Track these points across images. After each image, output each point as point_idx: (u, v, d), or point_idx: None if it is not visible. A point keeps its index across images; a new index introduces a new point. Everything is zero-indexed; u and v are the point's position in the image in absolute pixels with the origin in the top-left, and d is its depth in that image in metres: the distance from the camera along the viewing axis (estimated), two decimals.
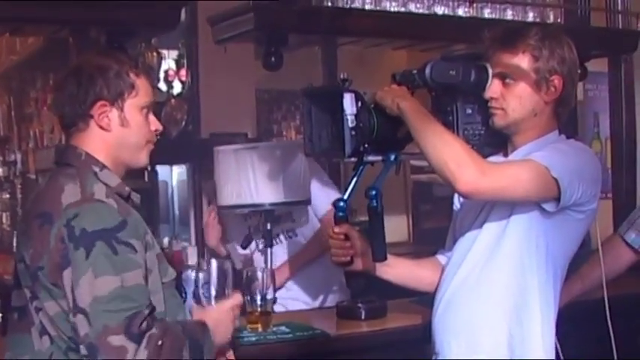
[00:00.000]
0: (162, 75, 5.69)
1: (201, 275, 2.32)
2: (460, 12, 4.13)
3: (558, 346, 2.47)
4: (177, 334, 2.05)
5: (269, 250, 3.45)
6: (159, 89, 5.58)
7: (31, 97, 6.85)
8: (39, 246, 2.04)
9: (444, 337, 2.48)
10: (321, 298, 3.72)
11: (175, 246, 5.07)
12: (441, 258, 2.66)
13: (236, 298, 2.30)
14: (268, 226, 3.46)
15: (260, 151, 3.44)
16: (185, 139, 5.49)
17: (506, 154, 2.50)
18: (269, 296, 3.06)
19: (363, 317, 3.18)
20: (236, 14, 3.73)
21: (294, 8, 3.71)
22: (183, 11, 4.31)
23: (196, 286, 2.35)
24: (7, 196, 7.30)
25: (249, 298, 3.01)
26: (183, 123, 5.59)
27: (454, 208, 2.67)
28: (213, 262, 2.32)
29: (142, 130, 2.20)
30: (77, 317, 1.97)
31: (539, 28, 2.50)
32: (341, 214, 2.56)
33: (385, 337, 3.08)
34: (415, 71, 2.42)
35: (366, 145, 2.47)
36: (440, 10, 4.08)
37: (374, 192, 2.47)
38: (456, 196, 2.63)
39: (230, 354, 2.31)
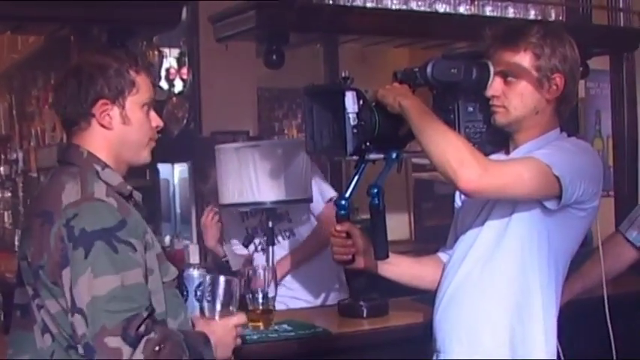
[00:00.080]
0: (163, 73, 5.69)
1: (207, 289, 2.31)
2: (461, 10, 4.13)
3: (558, 344, 2.47)
4: (177, 342, 2.05)
5: (271, 248, 3.45)
6: (160, 87, 5.58)
7: (33, 95, 6.85)
8: (40, 245, 2.04)
9: (446, 334, 2.48)
10: (321, 296, 3.73)
11: (177, 244, 5.07)
12: (443, 256, 2.66)
13: (240, 318, 2.31)
14: (270, 224, 3.46)
15: (262, 149, 3.44)
16: (186, 137, 5.49)
17: (507, 152, 2.50)
18: (271, 294, 3.06)
19: (364, 315, 3.18)
20: (237, 12, 3.73)
21: (295, 6, 3.71)
22: (184, 10, 4.32)
23: (201, 299, 2.34)
24: (9, 194, 7.31)
25: (250, 296, 3.01)
26: (185, 121, 5.59)
27: (455, 206, 2.67)
28: (221, 278, 2.31)
29: (144, 127, 2.19)
30: (75, 317, 1.97)
31: (540, 26, 2.50)
32: (343, 212, 2.56)
33: (387, 335, 3.08)
34: (417, 69, 2.42)
35: (368, 144, 2.47)
36: (441, 7, 4.08)
37: (376, 190, 2.46)
38: (457, 194, 2.63)
39: None
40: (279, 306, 3.19)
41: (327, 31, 4.08)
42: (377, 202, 2.47)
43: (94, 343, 1.94)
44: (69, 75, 2.17)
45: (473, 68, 2.42)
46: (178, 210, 6.09)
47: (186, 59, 5.73)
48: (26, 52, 6.23)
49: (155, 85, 5.15)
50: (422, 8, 4.04)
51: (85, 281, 1.95)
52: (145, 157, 2.23)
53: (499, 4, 4.21)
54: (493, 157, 2.45)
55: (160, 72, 5.65)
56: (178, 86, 5.74)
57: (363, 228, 2.61)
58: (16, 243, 5.86)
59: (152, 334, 1.98)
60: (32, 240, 2.08)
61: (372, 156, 2.52)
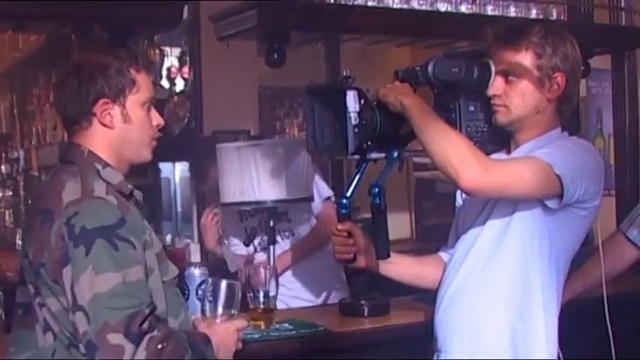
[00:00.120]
0: (164, 72, 5.69)
1: (208, 290, 2.32)
2: (463, 9, 4.13)
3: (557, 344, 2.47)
4: (180, 341, 2.05)
5: (272, 247, 3.45)
6: (161, 86, 5.58)
7: (34, 94, 6.85)
8: (40, 243, 2.04)
9: (447, 333, 2.48)
10: (322, 295, 3.73)
11: (178, 243, 5.07)
12: (444, 255, 2.66)
13: (242, 322, 2.31)
14: (271, 223, 3.46)
15: (263, 148, 3.44)
16: (188, 136, 5.49)
17: (509, 152, 2.50)
18: (272, 293, 3.06)
19: (365, 314, 3.18)
20: (238, 11, 3.73)
21: (296, 5, 3.70)
22: (185, 8, 4.32)
23: (203, 300, 2.35)
24: (10, 193, 7.31)
25: (252, 295, 3.01)
26: (186, 120, 5.59)
27: (457, 205, 2.67)
28: (223, 282, 2.32)
29: (144, 125, 2.20)
30: (76, 315, 1.97)
31: (541, 25, 2.49)
32: (344, 211, 2.56)
33: (388, 334, 3.07)
34: (418, 68, 2.42)
35: (369, 143, 2.47)
36: (443, 7, 4.08)
37: (377, 189, 2.47)
38: (458, 193, 2.63)
39: None
40: (279, 305, 3.19)
41: (329, 30, 4.08)
42: (378, 201, 2.47)
43: (96, 340, 1.94)
44: (69, 74, 2.17)
45: (474, 67, 2.42)
46: (179, 209, 6.09)
47: (188, 58, 5.72)
48: (27, 50, 6.23)
49: (156, 84, 5.18)
50: (423, 7, 4.04)
51: (87, 279, 1.95)
52: (146, 155, 2.23)
53: (500, 3, 4.21)
54: (494, 156, 2.45)
55: (161, 71, 5.64)
56: (179, 85, 5.74)
57: (364, 227, 2.61)
58: (17, 242, 5.86)
59: (155, 332, 1.98)
60: (33, 238, 2.08)
61: (374, 155, 2.52)
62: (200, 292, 3.00)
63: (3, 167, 7.50)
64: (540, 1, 4.35)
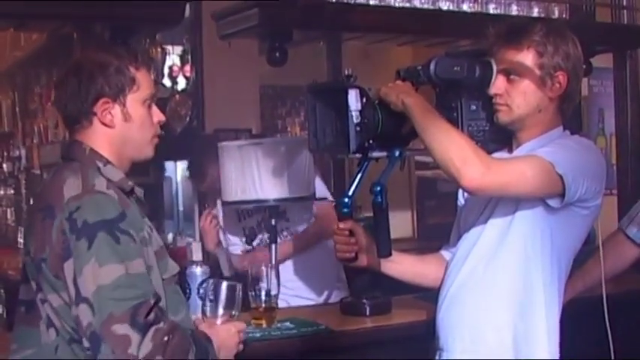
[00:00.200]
0: (166, 71, 5.70)
1: (209, 291, 2.32)
2: (465, 7, 4.12)
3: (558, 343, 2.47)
4: (185, 336, 2.05)
5: (273, 246, 3.45)
6: (163, 85, 5.59)
7: (36, 92, 6.85)
8: (42, 238, 2.05)
9: (449, 332, 2.48)
10: (322, 294, 3.73)
11: (180, 242, 5.08)
12: (446, 254, 2.66)
13: (242, 324, 2.31)
14: (273, 222, 3.46)
15: (264, 147, 3.44)
16: (189, 134, 5.49)
17: (510, 150, 2.50)
18: (273, 292, 3.06)
19: (367, 313, 3.18)
20: (240, 10, 3.73)
21: (298, 4, 3.70)
22: (187, 7, 4.31)
23: (204, 301, 2.35)
24: (12, 191, 7.32)
25: (253, 293, 3.01)
26: (188, 119, 5.59)
27: (459, 204, 2.67)
28: (224, 284, 2.32)
29: (145, 123, 2.20)
30: (80, 307, 1.97)
31: (543, 23, 2.49)
32: (346, 210, 2.56)
33: (390, 333, 3.07)
34: (420, 67, 2.42)
35: (371, 141, 2.47)
36: (445, 5, 4.08)
37: (379, 188, 2.47)
38: (460, 192, 2.63)
39: None
40: (280, 304, 3.19)
41: (330, 28, 4.07)
42: (380, 199, 2.47)
43: (101, 332, 1.93)
44: (69, 73, 2.17)
45: (476, 66, 2.42)
46: (181, 208, 6.09)
47: (189, 57, 5.73)
48: (29, 49, 6.24)
49: (157, 82, 5.18)
50: (425, 6, 4.03)
51: (90, 270, 1.96)
52: (147, 153, 2.24)
53: (502, 1, 4.20)
54: (496, 155, 2.44)
55: (162, 69, 5.65)
56: (181, 84, 5.75)
57: (365, 226, 2.61)
58: (19, 240, 5.87)
59: (161, 324, 1.98)
60: (34, 235, 2.09)
61: (375, 154, 2.52)
62: (202, 290, 3.00)
63: (5, 166, 7.51)
64: None
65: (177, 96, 5.67)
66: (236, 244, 3.91)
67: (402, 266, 2.68)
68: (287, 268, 3.60)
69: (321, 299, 3.71)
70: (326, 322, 3.05)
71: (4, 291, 3.91)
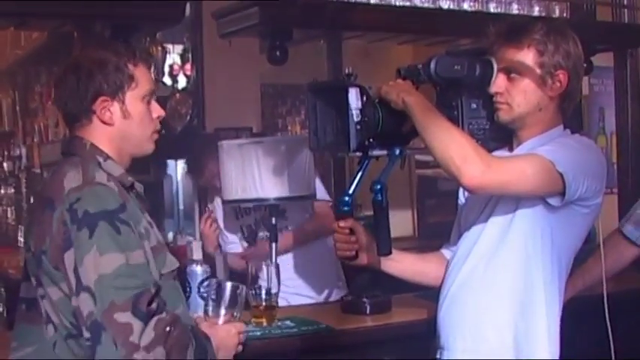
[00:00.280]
0: (166, 69, 5.69)
1: (212, 291, 2.32)
2: (465, 6, 4.12)
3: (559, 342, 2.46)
4: (186, 329, 2.05)
5: (273, 244, 3.45)
6: (163, 84, 5.58)
7: (36, 91, 6.86)
8: (42, 230, 2.05)
9: (450, 331, 2.48)
10: (321, 292, 3.73)
11: (180, 240, 5.08)
12: (446, 252, 2.66)
13: (243, 325, 2.32)
14: (273, 221, 3.46)
15: (265, 145, 3.44)
16: (190, 133, 5.48)
17: (511, 149, 2.50)
18: (274, 290, 3.06)
19: (367, 312, 3.18)
20: (241, 8, 3.73)
21: (298, 2, 3.70)
22: (187, 5, 4.31)
23: (206, 301, 2.35)
24: (12, 190, 7.32)
25: (254, 292, 3.01)
26: (188, 117, 5.59)
27: (459, 202, 2.67)
28: (228, 284, 2.32)
29: (145, 120, 2.20)
30: (81, 297, 1.97)
31: (544, 22, 2.49)
32: (346, 208, 2.56)
33: (390, 332, 3.07)
34: (420, 66, 2.42)
35: (371, 140, 2.47)
36: (445, 4, 4.07)
37: (379, 186, 2.47)
38: (460, 190, 2.63)
39: None
40: (280, 302, 3.19)
41: (331, 27, 4.07)
42: (380, 198, 2.47)
43: (103, 320, 1.94)
44: (68, 71, 2.18)
45: (476, 65, 2.41)
46: (181, 206, 6.08)
47: (190, 55, 5.72)
48: (29, 48, 6.23)
49: (158, 81, 5.18)
50: (426, 5, 4.03)
51: (91, 259, 1.96)
52: (147, 149, 2.24)
53: (503, 0, 4.20)
54: (496, 153, 2.44)
55: (163, 68, 5.64)
56: (182, 82, 5.74)
57: (366, 225, 2.61)
58: (19, 239, 5.87)
59: (163, 314, 1.99)
60: (35, 228, 2.09)
61: (376, 152, 2.52)
62: (202, 289, 3.01)
63: (5, 165, 7.51)
64: None
65: (177, 95, 5.67)
66: (234, 243, 3.91)
67: (402, 265, 2.68)
68: (287, 266, 3.60)
69: (321, 297, 3.71)
70: (326, 320, 3.05)
71: (4, 290, 3.91)
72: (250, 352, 2.48)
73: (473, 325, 2.44)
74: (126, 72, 2.16)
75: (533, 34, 2.40)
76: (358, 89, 2.45)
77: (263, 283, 3.10)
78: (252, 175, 3.36)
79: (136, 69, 2.18)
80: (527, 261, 2.39)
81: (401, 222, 6.49)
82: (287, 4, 3.68)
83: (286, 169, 3.37)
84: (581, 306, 2.84)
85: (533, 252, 2.39)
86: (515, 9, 4.23)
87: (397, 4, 3.96)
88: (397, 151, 2.51)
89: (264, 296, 3.02)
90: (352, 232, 2.57)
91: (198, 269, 3.06)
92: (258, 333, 2.89)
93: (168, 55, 5.69)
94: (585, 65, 2.71)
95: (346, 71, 2.52)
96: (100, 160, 2.13)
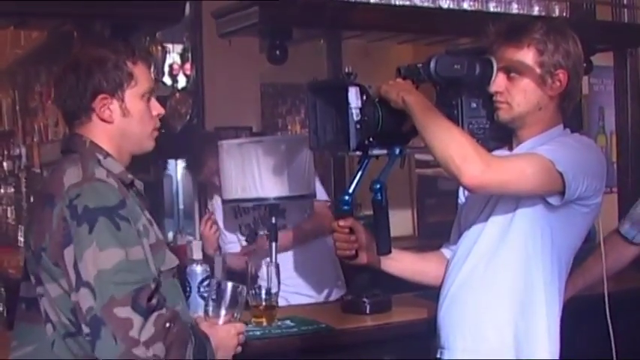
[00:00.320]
0: (166, 69, 5.69)
1: (212, 291, 2.32)
2: (465, 5, 4.12)
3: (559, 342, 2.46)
4: (185, 327, 2.06)
5: (273, 244, 3.45)
6: (163, 83, 5.58)
7: (36, 91, 6.85)
8: (41, 227, 2.06)
9: (450, 331, 2.47)
10: (321, 291, 3.73)
11: (180, 240, 5.07)
12: (446, 252, 2.66)
13: (242, 326, 2.32)
14: (273, 220, 3.46)
15: (265, 145, 3.44)
16: (190, 133, 5.48)
17: (511, 148, 2.50)
18: (274, 290, 3.06)
19: (367, 311, 3.18)
20: (240, 8, 3.73)
21: (298, 2, 3.70)
22: (187, 5, 4.31)
23: (206, 301, 2.35)
24: (12, 190, 7.31)
25: (254, 292, 3.01)
26: (188, 117, 5.59)
27: (459, 202, 2.67)
28: (229, 284, 2.32)
29: (144, 117, 2.20)
30: (80, 292, 1.97)
31: (544, 22, 2.49)
32: (346, 207, 2.56)
33: (390, 332, 3.07)
34: (420, 65, 2.42)
35: (371, 139, 2.47)
36: (445, 3, 4.08)
37: (378, 185, 2.46)
38: (460, 189, 2.63)
39: None
40: (280, 301, 3.19)
41: (331, 26, 4.07)
42: (380, 197, 2.47)
43: (103, 315, 1.94)
44: (67, 69, 2.18)
45: (476, 64, 2.41)
46: (181, 206, 6.08)
47: (190, 55, 5.72)
48: (29, 47, 6.22)
49: (158, 80, 5.17)
50: (425, 4, 4.03)
51: (91, 255, 1.96)
52: (147, 146, 2.25)
53: (503, 0, 4.20)
54: (496, 153, 2.44)
55: (163, 68, 5.64)
56: (181, 82, 5.74)
57: (366, 224, 2.61)
58: (19, 239, 5.87)
59: (163, 310, 1.99)
60: (35, 226, 2.09)
61: (376, 151, 2.52)
62: (202, 289, 3.01)
63: (5, 164, 7.50)
64: None
65: (177, 94, 5.66)
66: (233, 242, 3.91)
67: (402, 264, 2.68)
68: (286, 265, 3.59)
69: (320, 296, 3.71)
70: (326, 320, 3.05)
71: (4, 289, 3.91)
72: (250, 351, 2.48)
73: (473, 324, 2.44)
74: (125, 70, 2.16)
75: (533, 34, 2.40)
76: (358, 88, 2.45)
77: (263, 282, 3.10)
78: (252, 174, 3.36)
79: (136, 67, 2.18)
80: (527, 260, 2.39)
81: (401, 221, 6.49)
82: (287, 4, 3.68)
83: (286, 168, 3.37)
84: (581, 305, 2.84)
85: (533, 251, 2.38)
86: (514, 8, 4.23)
87: (397, 3, 3.96)
88: (397, 151, 2.50)
89: (264, 296, 3.02)
90: (352, 231, 2.57)
91: (198, 269, 3.06)
92: (258, 333, 2.89)
93: (168, 55, 5.69)
94: (585, 65, 2.71)
95: (346, 70, 2.52)
96: (100, 157, 2.14)
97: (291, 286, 3.61)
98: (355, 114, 2.43)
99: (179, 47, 5.76)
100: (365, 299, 3.19)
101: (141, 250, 2.03)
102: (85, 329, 1.98)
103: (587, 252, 2.79)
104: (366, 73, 2.58)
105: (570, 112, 2.52)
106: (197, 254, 3.10)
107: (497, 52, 2.43)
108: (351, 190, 2.54)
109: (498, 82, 2.42)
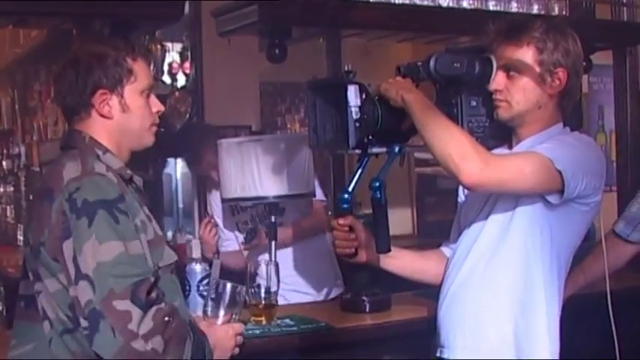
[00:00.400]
0: (166, 68, 5.68)
1: (212, 291, 2.32)
2: (465, 4, 4.12)
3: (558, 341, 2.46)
4: (184, 322, 2.06)
5: (273, 242, 3.45)
6: (163, 82, 5.58)
7: (35, 89, 6.84)
8: (40, 221, 2.06)
9: (450, 329, 2.47)
10: (319, 289, 3.74)
11: (179, 239, 5.07)
12: (446, 250, 2.66)
13: (241, 327, 2.32)
14: (273, 219, 3.46)
15: (264, 143, 3.44)
16: (189, 131, 5.47)
17: (510, 147, 2.50)
18: (273, 289, 3.06)
19: (367, 310, 3.18)
20: (240, 6, 3.72)
21: (297, 0, 3.70)
22: (186, 4, 4.30)
23: (205, 301, 2.35)
24: (11, 189, 7.30)
25: (253, 290, 3.01)
26: (187, 115, 5.59)
27: (459, 200, 2.67)
28: (228, 285, 2.32)
29: (144, 113, 2.21)
30: (79, 285, 1.97)
31: (543, 20, 2.49)
32: (345, 206, 2.56)
33: (390, 330, 3.07)
34: (420, 63, 2.41)
35: (371, 137, 2.47)
36: (445, 2, 4.07)
37: (378, 184, 2.46)
38: (460, 188, 2.63)
39: None
40: (279, 300, 3.19)
41: (330, 25, 4.07)
42: (379, 195, 2.47)
43: (101, 307, 1.94)
44: (67, 65, 2.18)
45: (476, 62, 2.41)
46: (181, 204, 6.08)
47: (189, 53, 5.71)
48: (28, 46, 6.21)
49: (157, 79, 5.16)
50: (425, 2, 4.03)
51: (90, 248, 1.97)
52: (147, 142, 2.26)
53: None
54: (496, 151, 2.45)
55: (162, 66, 5.63)
56: (181, 81, 5.73)
57: (365, 223, 2.61)
58: (19, 237, 5.87)
59: (162, 305, 1.99)
60: (34, 221, 2.10)
61: (375, 150, 2.52)
62: (201, 287, 3.01)
63: (4, 163, 7.49)
64: None
65: (176, 93, 5.66)
66: (230, 240, 3.91)
67: (401, 262, 2.68)
68: (284, 263, 3.59)
69: (318, 294, 3.72)
70: (325, 318, 3.05)
71: (3, 288, 3.91)
72: (250, 350, 2.48)
73: (473, 323, 2.44)
74: (125, 66, 2.16)
75: (533, 32, 2.40)
76: (357, 87, 2.45)
77: (262, 281, 3.10)
78: (252, 173, 3.36)
79: (135, 63, 2.18)
80: (527, 259, 2.39)
81: (400, 220, 6.49)
82: (286, 3, 3.68)
83: (285, 167, 3.37)
84: (581, 304, 2.84)
85: (533, 250, 2.38)
86: (514, 7, 4.23)
87: (396, 2, 3.96)
88: (396, 149, 2.50)
89: (263, 295, 3.02)
90: (351, 229, 2.57)
91: (198, 268, 3.07)
92: (258, 331, 2.89)
93: (167, 54, 5.68)
94: (584, 63, 2.71)
95: (345, 69, 2.52)
96: (99, 153, 2.14)
97: (289, 283, 3.61)
98: (355, 112, 2.43)
99: (178, 46, 5.76)
100: (364, 298, 3.19)
101: (139, 245, 2.04)
102: (84, 323, 1.98)
103: (587, 250, 2.79)
104: (365, 71, 2.58)
105: (570, 111, 2.52)
106: (196, 253, 3.10)
107: (496, 50, 2.43)
108: (350, 189, 2.54)
109: (498, 81, 2.42)
